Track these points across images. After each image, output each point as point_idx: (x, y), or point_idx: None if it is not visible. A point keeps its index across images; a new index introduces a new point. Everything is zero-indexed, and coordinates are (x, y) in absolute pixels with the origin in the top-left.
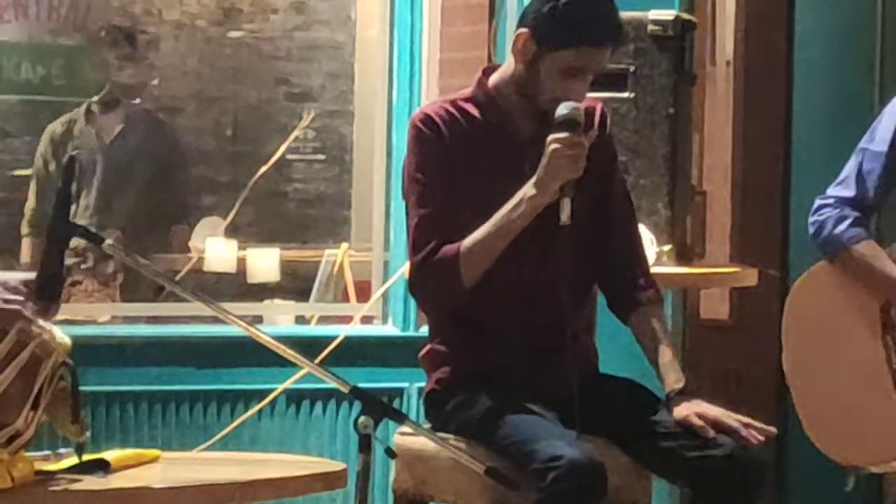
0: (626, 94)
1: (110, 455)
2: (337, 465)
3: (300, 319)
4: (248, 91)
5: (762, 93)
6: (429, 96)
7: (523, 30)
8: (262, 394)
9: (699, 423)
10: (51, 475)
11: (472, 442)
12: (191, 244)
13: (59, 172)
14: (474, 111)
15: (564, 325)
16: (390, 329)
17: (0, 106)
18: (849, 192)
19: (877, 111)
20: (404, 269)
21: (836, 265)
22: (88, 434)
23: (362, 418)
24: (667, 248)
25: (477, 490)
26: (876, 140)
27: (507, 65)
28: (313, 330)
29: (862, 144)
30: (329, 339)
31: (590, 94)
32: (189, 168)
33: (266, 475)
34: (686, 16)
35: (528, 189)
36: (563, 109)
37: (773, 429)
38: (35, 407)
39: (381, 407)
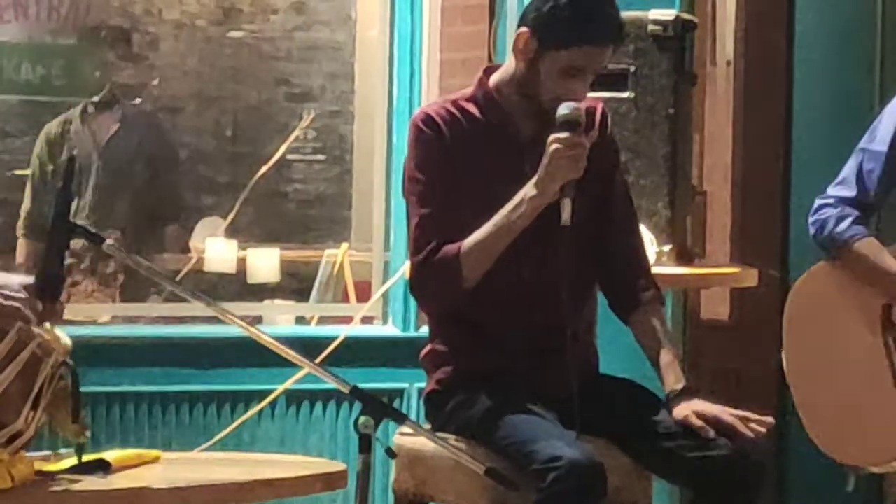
0: (626, 94)
1: (111, 455)
2: (337, 466)
3: (300, 320)
4: (249, 91)
5: (762, 93)
6: (429, 96)
7: (524, 29)
8: (263, 394)
9: (698, 423)
10: (51, 475)
11: (472, 442)
12: (191, 244)
13: (59, 172)
14: (475, 111)
15: (564, 325)
16: (390, 329)
17: (0, 106)
18: (849, 191)
19: (877, 111)
20: (404, 269)
21: (837, 264)
22: (88, 434)
23: (362, 419)
24: (667, 248)
25: (477, 490)
26: (876, 140)
27: (508, 65)
28: (313, 330)
29: (862, 144)
30: (329, 340)
31: (590, 94)
32: (183, 168)
33: (266, 475)
34: (686, 16)
35: (528, 189)
36: (564, 109)
37: (770, 419)
38: (35, 407)
39: (382, 407)
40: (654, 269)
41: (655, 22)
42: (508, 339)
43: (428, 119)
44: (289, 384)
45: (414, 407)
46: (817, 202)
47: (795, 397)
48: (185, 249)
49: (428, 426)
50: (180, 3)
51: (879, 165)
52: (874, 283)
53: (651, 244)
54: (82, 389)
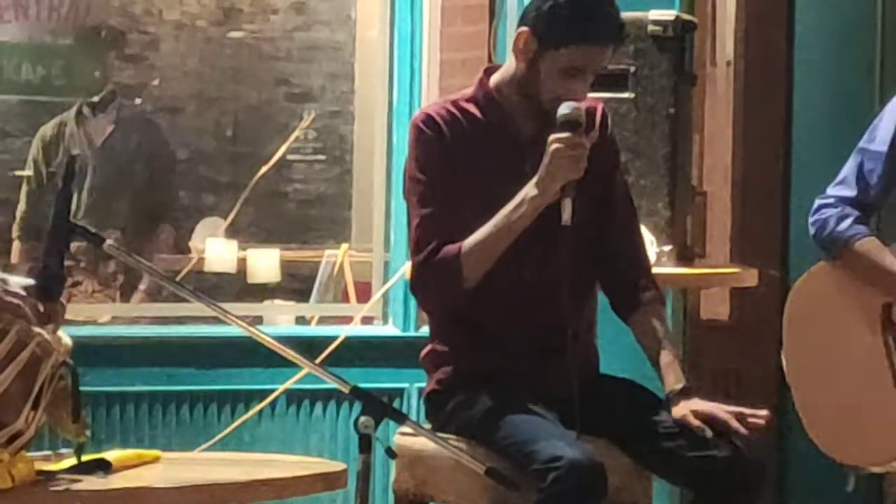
0: (626, 95)
1: (111, 455)
2: (337, 466)
3: (300, 320)
4: (249, 91)
5: (762, 93)
6: (429, 97)
7: (524, 28)
8: (263, 394)
9: (696, 423)
10: (51, 475)
11: (473, 442)
12: (191, 244)
13: (56, 174)
14: (475, 111)
15: (565, 325)
16: (391, 329)
17: (0, 106)
18: (849, 191)
19: (877, 111)
20: (405, 269)
21: (837, 264)
22: (89, 434)
23: (363, 418)
24: (667, 248)
25: (477, 490)
26: (876, 140)
27: (509, 65)
28: (314, 330)
29: (862, 144)
30: (329, 340)
31: (590, 95)
32: (183, 168)
33: (266, 475)
34: (686, 16)
35: (529, 189)
36: (564, 109)
37: (766, 412)
38: (35, 407)
39: (382, 407)
40: (654, 269)
41: (655, 22)
42: (509, 339)
43: (428, 119)
44: (289, 384)
45: (414, 407)
46: (817, 202)
47: (795, 397)
48: (179, 250)
49: (428, 426)
50: (180, 4)
51: (879, 165)
52: (875, 282)
53: (651, 244)
54: (82, 389)
